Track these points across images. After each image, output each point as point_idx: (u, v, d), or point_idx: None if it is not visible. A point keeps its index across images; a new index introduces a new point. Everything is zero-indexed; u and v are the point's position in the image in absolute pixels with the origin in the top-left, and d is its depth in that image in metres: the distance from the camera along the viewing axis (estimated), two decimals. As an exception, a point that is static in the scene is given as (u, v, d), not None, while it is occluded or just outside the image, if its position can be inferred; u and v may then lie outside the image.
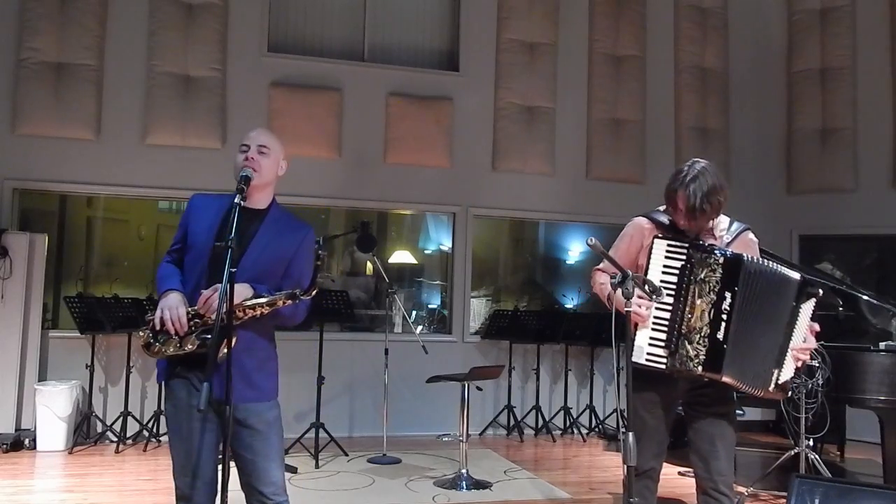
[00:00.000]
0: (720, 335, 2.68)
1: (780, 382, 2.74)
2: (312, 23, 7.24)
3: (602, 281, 2.97)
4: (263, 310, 2.45)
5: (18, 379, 5.84)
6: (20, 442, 5.83)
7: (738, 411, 5.32)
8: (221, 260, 2.29)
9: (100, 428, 6.18)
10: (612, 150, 7.59)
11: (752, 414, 6.75)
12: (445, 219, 7.63)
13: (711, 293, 2.70)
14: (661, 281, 2.75)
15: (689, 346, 2.71)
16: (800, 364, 2.80)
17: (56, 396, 5.77)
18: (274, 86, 6.85)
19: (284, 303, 2.45)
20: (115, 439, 5.94)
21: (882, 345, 4.74)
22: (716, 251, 2.74)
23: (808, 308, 2.77)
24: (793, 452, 4.64)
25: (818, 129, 7.70)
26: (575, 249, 8.27)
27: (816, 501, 3.12)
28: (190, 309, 2.44)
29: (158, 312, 2.43)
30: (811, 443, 4.68)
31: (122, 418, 5.99)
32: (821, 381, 4.44)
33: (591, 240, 2.59)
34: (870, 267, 7.64)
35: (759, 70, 8.10)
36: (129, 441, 6.06)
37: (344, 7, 7.31)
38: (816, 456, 4.62)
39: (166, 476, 5.06)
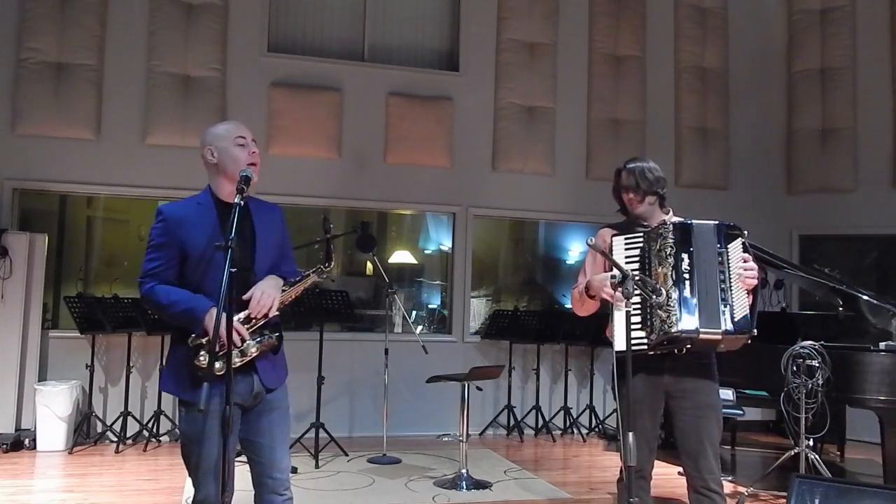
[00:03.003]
0: (686, 293, 2.83)
1: (735, 319, 2.83)
2: (312, 23, 7.24)
3: (574, 289, 3.14)
4: (298, 293, 2.59)
5: (18, 379, 5.84)
6: (20, 442, 5.83)
7: (738, 411, 5.38)
8: (237, 259, 2.33)
9: (100, 428, 6.18)
10: (612, 150, 7.58)
11: (752, 414, 6.76)
12: (445, 219, 7.62)
13: (670, 258, 2.87)
14: None
15: (660, 312, 2.83)
16: (748, 288, 2.89)
17: (56, 396, 5.77)
18: (274, 86, 6.85)
19: (314, 280, 2.61)
20: (115, 439, 5.94)
21: (882, 345, 4.73)
22: (666, 223, 2.95)
23: (735, 247, 2.92)
24: (793, 452, 4.63)
25: (818, 129, 7.70)
26: (575, 249, 8.27)
27: (816, 501, 3.12)
28: (239, 317, 2.46)
29: (213, 333, 2.34)
30: (811, 443, 4.67)
31: (122, 418, 5.99)
32: (821, 381, 4.44)
33: (591, 240, 2.63)
34: (870, 267, 7.64)
35: (759, 70, 8.09)
36: (129, 441, 6.06)
37: (344, 7, 7.31)
38: (816, 456, 4.62)
39: (166, 476, 5.10)
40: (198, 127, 6.57)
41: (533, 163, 7.42)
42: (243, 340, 2.45)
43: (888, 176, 7.41)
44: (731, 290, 2.85)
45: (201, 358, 2.42)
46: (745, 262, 2.90)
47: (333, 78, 7.02)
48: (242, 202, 2.40)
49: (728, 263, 2.89)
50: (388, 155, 7.10)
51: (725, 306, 2.83)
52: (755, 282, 2.90)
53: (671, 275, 2.85)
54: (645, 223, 3.05)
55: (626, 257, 2.94)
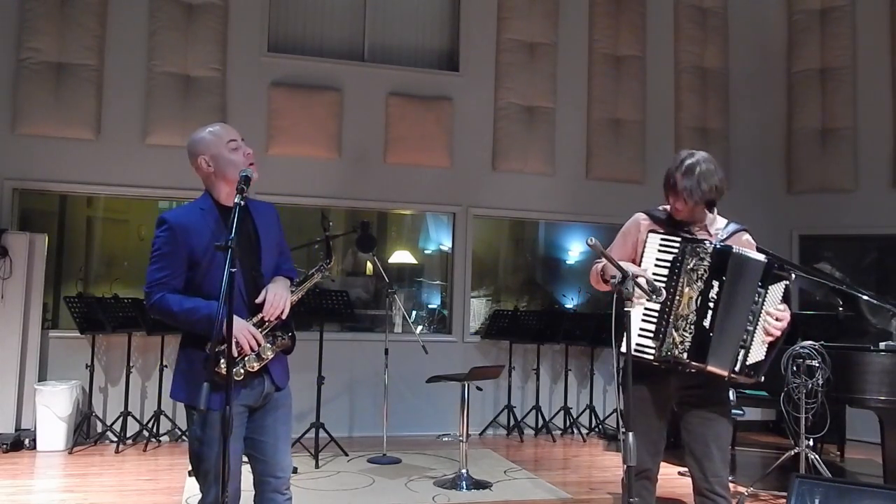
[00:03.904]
0: (706, 323, 2.75)
1: (747, 364, 2.76)
2: (312, 23, 7.24)
3: (597, 263, 3.03)
4: (303, 292, 2.62)
5: (18, 379, 5.84)
6: (20, 442, 5.83)
7: (738, 411, 5.38)
8: (246, 261, 2.33)
9: (100, 428, 6.18)
10: (612, 150, 7.59)
11: (752, 414, 6.76)
12: (445, 219, 7.62)
13: (699, 281, 2.77)
14: (654, 273, 2.82)
15: (675, 334, 2.77)
16: (771, 339, 2.80)
17: (56, 396, 5.77)
18: (274, 86, 6.85)
19: (317, 278, 2.67)
20: (115, 439, 5.94)
21: (882, 345, 4.74)
22: (706, 242, 2.83)
23: (775, 290, 2.80)
24: (793, 452, 4.64)
25: (818, 129, 7.70)
26: (575, 249, 8.27)
27: (816, 501, 3.12)
28: (253, 320, 2.47)
29: (232, 341, 2.32)
30: (811, 443, 4.68)
31: (122, 418, 5.99)
32: (821, 381, 4.44)
33: (591, 240, 2.61)
34: (870, 267, 7.64)
35: (759, 70, 8.10)
36: (129, 441, 6.06)
37: (344, 7, 7.31)
38: (816, 456, 4.62)
39: (166, 476, 5.10)
40: (197, 127, 6.55)
41: (533, 163, 7.42)
42: (259, 344, 2.44)
43: (888, 176, 7.41)
44: (753, 333, 2.76)
45: (222, 367, 2.35)
46: (778, 312, 2.78)
47: (333, 78, 7.02)
48: (242, 202, 2.38)
49: (762, 305, 2.76)
50: (388, 155, 7.11)
51: (742, 348, 2.75)
52: (779, 334, 2.79)
53: (696, 300, 2.76)
54: (687, 228, 2.92)
55: (657, 259, 2.83)
